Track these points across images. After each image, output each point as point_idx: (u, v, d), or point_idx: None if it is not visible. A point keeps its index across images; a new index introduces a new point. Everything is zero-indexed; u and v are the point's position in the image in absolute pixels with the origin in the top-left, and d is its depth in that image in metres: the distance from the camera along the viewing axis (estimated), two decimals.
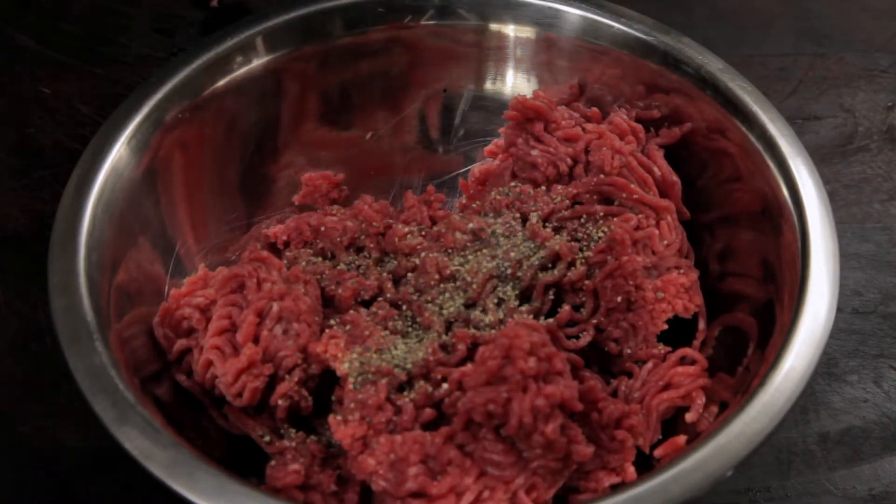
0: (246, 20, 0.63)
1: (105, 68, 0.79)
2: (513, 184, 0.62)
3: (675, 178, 0.60)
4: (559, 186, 0.60)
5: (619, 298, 0.55)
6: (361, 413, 0.49)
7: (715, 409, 0.53)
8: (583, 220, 0.58)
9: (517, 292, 0.56)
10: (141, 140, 0.57)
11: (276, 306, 0.51)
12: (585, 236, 0.58)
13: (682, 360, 0.55)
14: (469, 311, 0.55)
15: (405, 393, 0.50)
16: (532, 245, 0.57)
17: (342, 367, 0.50)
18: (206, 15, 0.84)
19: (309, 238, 0.59)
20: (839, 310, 0.52)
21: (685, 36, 0.62)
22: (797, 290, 0.50)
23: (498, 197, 0.60)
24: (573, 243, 0.57)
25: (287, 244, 0.60)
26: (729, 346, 0.56)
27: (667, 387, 0.54)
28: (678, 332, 0.56)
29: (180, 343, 0.53)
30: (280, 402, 0.51)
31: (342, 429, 0.48)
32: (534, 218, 0.58)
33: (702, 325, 0.57)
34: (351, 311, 0.55)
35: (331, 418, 0.49)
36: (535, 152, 0.62)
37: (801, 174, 0.55)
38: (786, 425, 0.49)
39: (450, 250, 0.58)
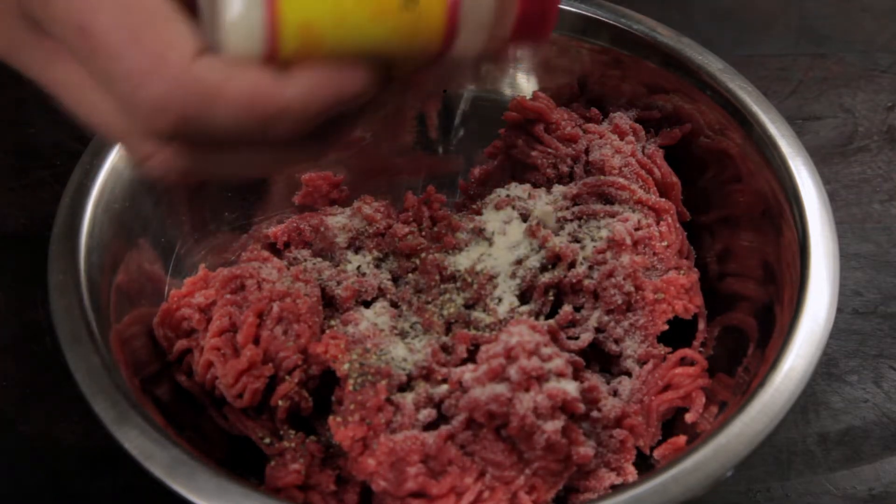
0: None
1: None
2: (513, 184, 0.62)
3: (675, 178, 0.60)
4: (559, 187, 0.60)
5: (619, 299, 0.55)
6: (361, 414, 0.49)
7: (715, 409, 0.53)
8: (583, 221, 0.58)
9: (517, 293, 0.56)
10: None
11: (276, 307, 0.51)
12: (585, 236, 0.58)
13: (682, 361, 0.55)
14: (469, 311, 0.55)
15: (405, 393, 0.50)
16: (532, 245, 0.57)
17: (342, 368, 0.50)
18: None
19: (309, 238, 0.59)
20: (839, 310, 0.52)
21: (685, 36, 0.62)
22: (797, 290, 0.50)
23: (498, 197, 0.60)
24: (573, 244, 0.57)
25: (287, 244, 0.60)
26: (729, 346, 0.56)
27: (667, 387, 0.54)
28: (678, 333, 0.56)
29: (180, 343, 0.53)
30: (280, 403, 0.51)
31: (342, 430, 0.48)
32: (534, 219, 0.58)
33: (702, 325, 0.57)
34: (351, 311, 0.55)
35: (331, 419, 0.49)
36: (534, 153, 0.62)
37: (801, 174, 0.55)
38: (786, 425, 0.49)
39: (450, 250, 0.58)
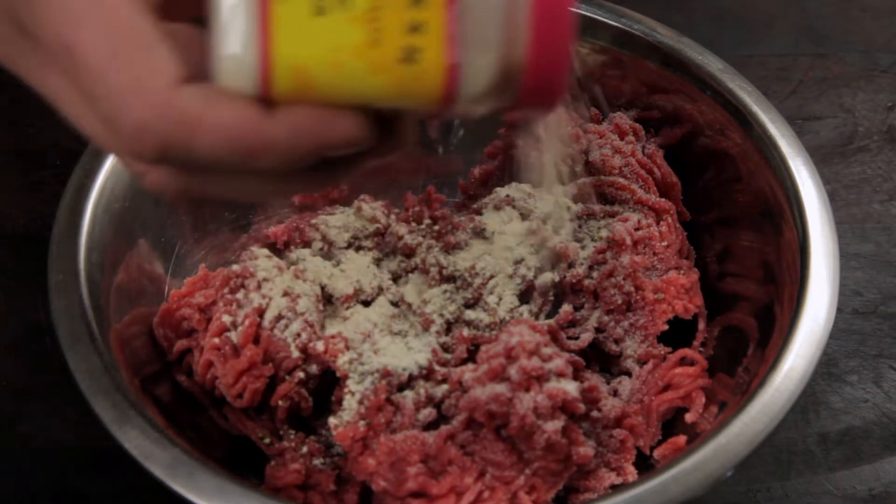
0: None
1: None
2: (513, 184, 0.62)
3: (675, 178, 0.60)
4: (559, 187, 0.60)
5: (619, 299, 0.55)
6: (361, 414, 0.49)
7: (715, 409, 0.53)
8: (583, 221, 0.58)
9: (517, 293, 0.56)
10: None
11: (276, 307, 0.51)
12: (585, 236, 0.58)
13: (682, 361, 0.55)
14: (469, 311, 0.55)
15: (405, 393, 0.50)
16: (532, 245, 0.57)
17: (342, 368, 0.50)
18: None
19: (309, 238, 0.59)
20: (839, 310, 0.52)
21: (685, 36, 0.62)
22: (797, 290, 0.50)
23: (498, 197, 0.60)
24: (573, 243, 0.57)
25: (287, 244, 0.60)
26: (729, 346, 0.56)
27: (667, 387, 0.54)
28: (678, 333, 0.56)
29: (180, 343, 0.53)
30: (280, 403, 0.51)
31: (342, 430, 0.48)
32: (534, 219, 0.58)
33: (701, 325, 0.57)
34: (351, 311, 0.55)
35: (330, 419, 0.49)
36: (534, 153, 0.62)
37: (801, 174, 0.55)
38: (786, 425, 0.49)
39: (450, 250, 0.58)
